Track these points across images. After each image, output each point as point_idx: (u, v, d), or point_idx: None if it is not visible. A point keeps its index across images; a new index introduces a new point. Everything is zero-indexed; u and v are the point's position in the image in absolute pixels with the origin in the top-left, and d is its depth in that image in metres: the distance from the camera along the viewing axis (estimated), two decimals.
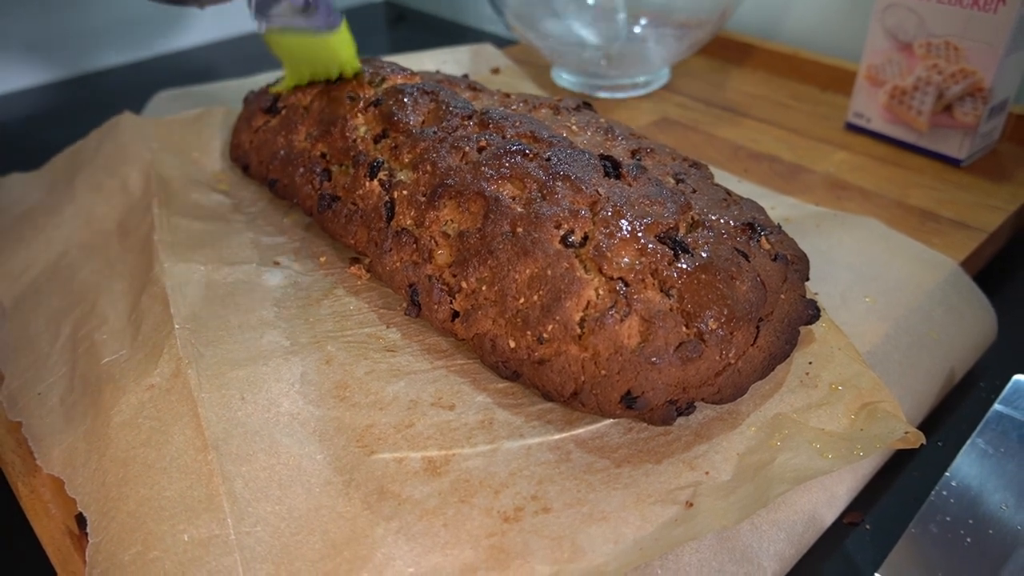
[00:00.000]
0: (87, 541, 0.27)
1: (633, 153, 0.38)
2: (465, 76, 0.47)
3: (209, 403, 0.31)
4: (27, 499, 0.31)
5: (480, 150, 0.36)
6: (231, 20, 0.89)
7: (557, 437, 0.30)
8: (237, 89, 0.59)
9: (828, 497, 0.31)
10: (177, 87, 0.61)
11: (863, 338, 0.36)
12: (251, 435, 0.30)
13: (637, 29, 0.62)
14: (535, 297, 0.31)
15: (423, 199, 0.35)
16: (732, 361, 0.30)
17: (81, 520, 0.29)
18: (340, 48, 0.40)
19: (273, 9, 0.38)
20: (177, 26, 0.85)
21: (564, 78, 0.66)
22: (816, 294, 0.38)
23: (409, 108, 0.40)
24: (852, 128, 0.56)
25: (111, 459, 0.29)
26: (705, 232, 0.32)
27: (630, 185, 0.34)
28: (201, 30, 0.87)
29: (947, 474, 0.30)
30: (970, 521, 0.29)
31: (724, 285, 0.30)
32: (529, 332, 0.31)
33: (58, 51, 0.78)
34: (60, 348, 0.36)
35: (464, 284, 0.33)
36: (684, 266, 0.30)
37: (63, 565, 0.29)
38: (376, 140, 0.40)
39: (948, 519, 0.29)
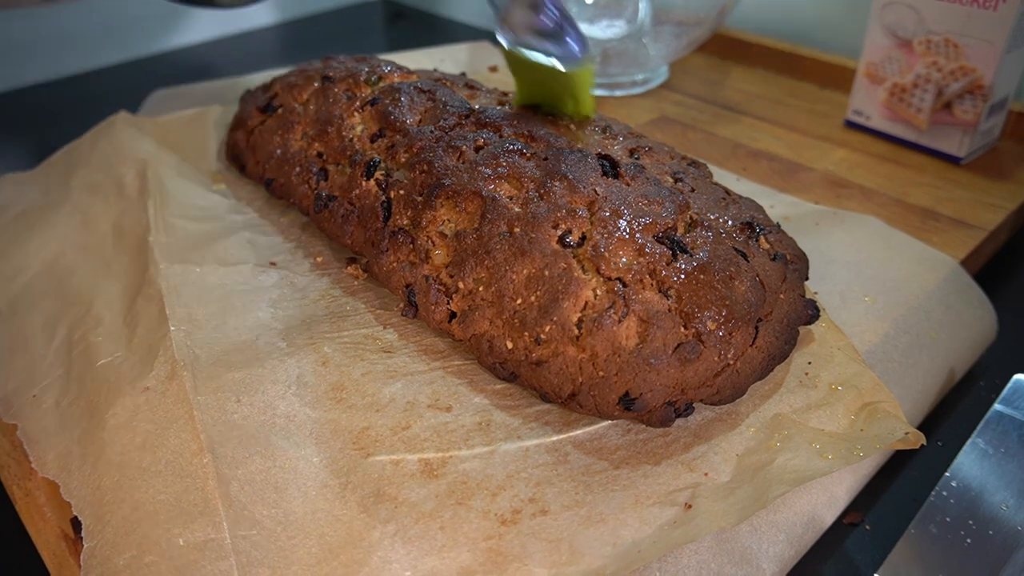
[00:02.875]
0: (82, 545, 0.27)
1: (631, 152, 0.38)
2: (463, 74, 0.47)
3: (205, 406, 0.31)
4: (22, 503, 0.31)
5: (477, 149, 0.36)
6: (227, 18, 0.89)
7: (555, 439, 0.30)
8: (233, 88, 0.58)
9: (828, 498, 0.31)
10: (173, 86, 0.61)
11: (863, 337, 0.36)
12: (247, 438, 0.30)
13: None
14: (532, 298, 0.30)
15: (420, 199, 0.35)
16: (731, 362, 0.30)
17: (76, 524, 0.29)
18: (579, 84, 0.36)
19: (519, 24, 0.34)
20: (173, 24, 0.85)
21: None
22: (815, 293, 0.38)
23: (405, 107, 0.40)
24: (851, 126, 0.56)
25: (106, 463, 0.29)
26: (704, 232, 0.32)
27: (628, 184, 0.34)
28: (197, 28, 0.87)
29: (947, 474, 0.30)
30: (970, 522, 0.28)
31: (722, 285, 0.30)
32: (527, 333, 0.30)
33: (53, 50, 0.78)
34: (55, 350, 0.35)
35: (461, 284, 0.33)
36: (682, 266, 0.30)
37: (58, 570, 0.28)
38: (373, 139, 0.40)
39: (948, 519, 0.28)
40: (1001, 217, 0.45)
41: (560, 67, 0.34)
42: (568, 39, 0.34)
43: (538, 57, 0.35)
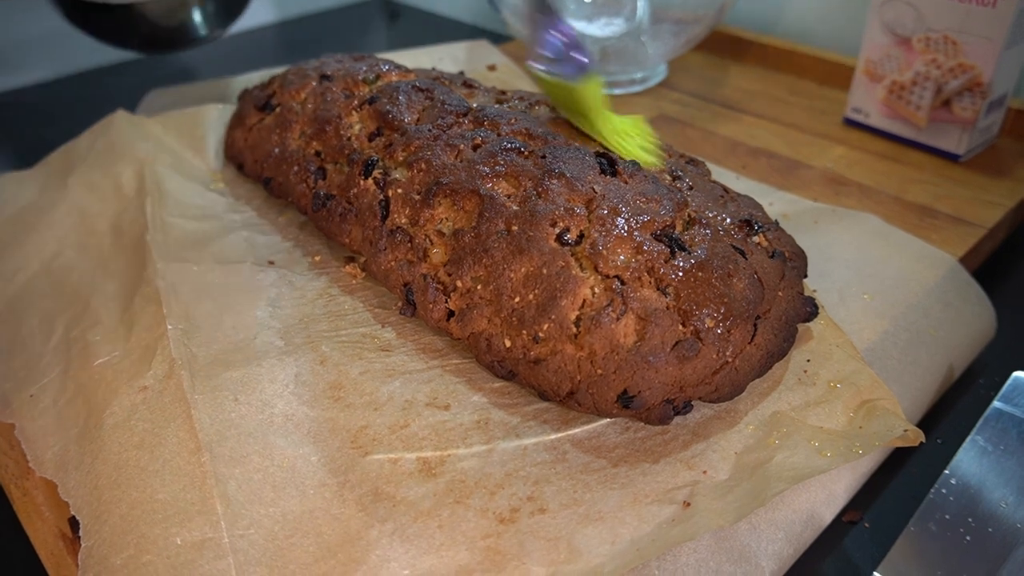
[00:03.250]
0: (80, 545, 0.27)
1: None
2: (461, 73, 0.47)
3: (202, 405, 0.31)
4: (20, 502, 0.31)
5: (475, 148, 0.36)
6: None
7: (553, 437, 0.30)
8: (231, 86, 0.58)
9: (827, 496, 0.31)
10: (171, 85, 0.61)
11: (861, 335, 0.36)
12: (245, 437, 0.30)
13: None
14: (531, 296, 0.30)
15: (418, 197, 0.35)
16: (729, 359, 0.30)
17: (74, 523, 0.29)
18: (585, 100, 0.38)
19: (538, 51, 0.39)
20: None
21: None
22: (814, 291, 0.38)
23: (403, 105, 0.40)
24: (850, 123, 0.56)
25: (104, 462, 0.29)
26: (702, 229, 0.32)
27: (626, 182, 0.34)
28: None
29: (946, 472, 0.30)
30: (969, 519, 0.28)
31: (721, 283, 0.30)
32: (525, 331, 0.30)
33: (51, 49, 0.77)
34: (53, 349, 0.35)
35: (459, 283, 0.33)
36: (680, 264, 0.30)
37: (56, 569, 0.28)
38: (371, 138, 0.40)
39: (947, 517, 0.28)
40: (1000, 214, 0.45)
41: (571, 82, 0.37)
42: (567, 58, 0.38)
43: (554, 76, 0.38)
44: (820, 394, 0.32)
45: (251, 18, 0.90)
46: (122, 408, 0.31)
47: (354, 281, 0.39)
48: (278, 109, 0.45)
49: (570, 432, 0.30)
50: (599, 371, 0.29)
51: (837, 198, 0.47)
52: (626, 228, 0.31)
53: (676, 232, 0.32)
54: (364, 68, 0.45)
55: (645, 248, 0.30)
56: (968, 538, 0.28)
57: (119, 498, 0.28)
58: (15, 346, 0.36)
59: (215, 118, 0.52)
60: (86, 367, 0.33)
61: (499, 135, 0.36)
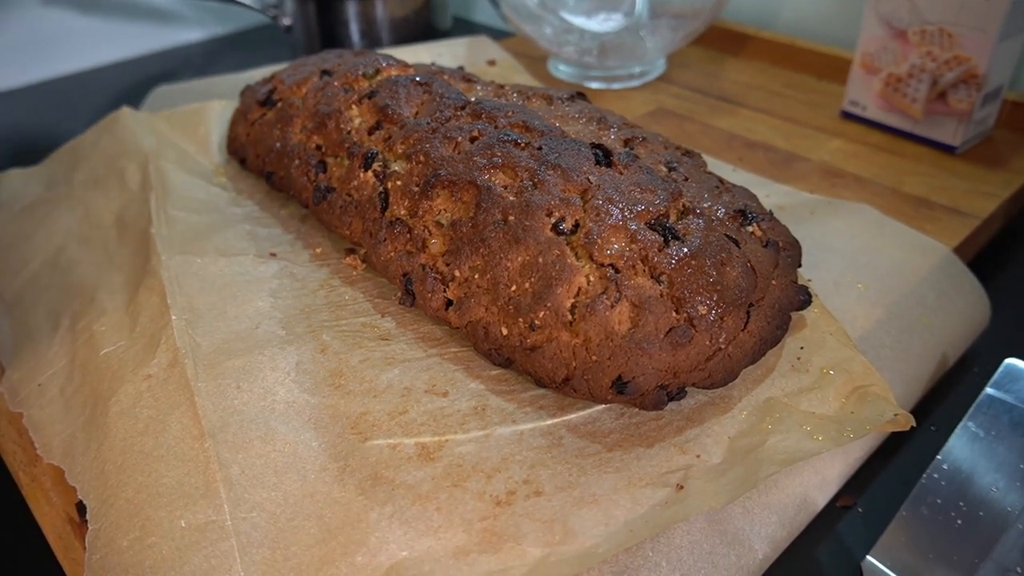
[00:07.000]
0: (87, 528, 0.28)
1: (626, 142, 0.38)
2: (460, 68, 0.47)
3: (205, 392, 0.31)
4: (28, 488, 0.31)
5: (472, 140, 0.36)
6: (229, 16, 0.89)
7: (549, 423, 0.31)
8: (234, 83, 0.59)
9: (820, 481, 0.31)
10: (175, 82, 0.61)
11: (855, 323, 0.36)
12: (247, 423, 0.30)
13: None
14: (527, 284, 0.31)
15: (416, 189, 0.35)
16: (722, 346, 0.30)
17: (81, 508, 0.29)
18: None
19: None
20: (175, 22, 0.86)
21: (560, 69, 0.66)
22: (809, 280, 0.38)
23: (402, 99, 0.40)
24: (847, 116, 0.57)
25: (110, 448, 0.30)
26: (696, 219, 0.32)
27: (621, 173, 0.34)
28: (198, 26, 0.87)
29: (938, 457, 0.30)
30: (961, 504, 0.29)
31: (714, 271, 0.30)
32: (521, 319, 0.31)
33: (57, 47, 0.78)
34: (60, 340, 0.36)
35: (457, 273, 0.33)
36: (674, 252, 0.30)
37: (64, 552, 0.29)
38: (370, 132, 0.40)
39: (939, 502, 0.29)
40: (995, 205, 0.46)
41: None
42: None
43: None
44: (813, 380, 0.32)
45: (253, 16, 0.91)
46: (127, 396, 0.31)
47: (355, 272, 0.39)
48: (279, 104, 0.46)
49: (566, 418, 0.31)
50: (594, 358, 0.29)
51: (834, 190, 0.48)
52: (621, 218, 0.31)
53: (670, 222, 0.32)
54: (364, 63, 0.45)
55: (639, 237, 0.31)
56: (959, 522, 0.28)
57: (125, 482, 0.28)
58: (22, 337, 0.37)
59: (218, 114, 0.53)
60: (92, 357, 0.34)
61: (496, 127, 0.37)
